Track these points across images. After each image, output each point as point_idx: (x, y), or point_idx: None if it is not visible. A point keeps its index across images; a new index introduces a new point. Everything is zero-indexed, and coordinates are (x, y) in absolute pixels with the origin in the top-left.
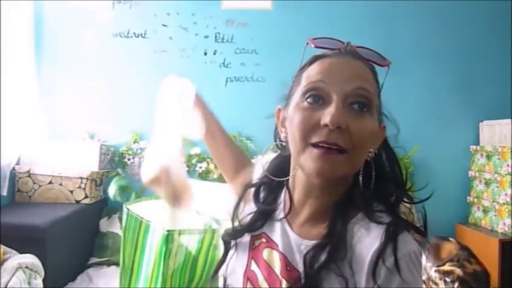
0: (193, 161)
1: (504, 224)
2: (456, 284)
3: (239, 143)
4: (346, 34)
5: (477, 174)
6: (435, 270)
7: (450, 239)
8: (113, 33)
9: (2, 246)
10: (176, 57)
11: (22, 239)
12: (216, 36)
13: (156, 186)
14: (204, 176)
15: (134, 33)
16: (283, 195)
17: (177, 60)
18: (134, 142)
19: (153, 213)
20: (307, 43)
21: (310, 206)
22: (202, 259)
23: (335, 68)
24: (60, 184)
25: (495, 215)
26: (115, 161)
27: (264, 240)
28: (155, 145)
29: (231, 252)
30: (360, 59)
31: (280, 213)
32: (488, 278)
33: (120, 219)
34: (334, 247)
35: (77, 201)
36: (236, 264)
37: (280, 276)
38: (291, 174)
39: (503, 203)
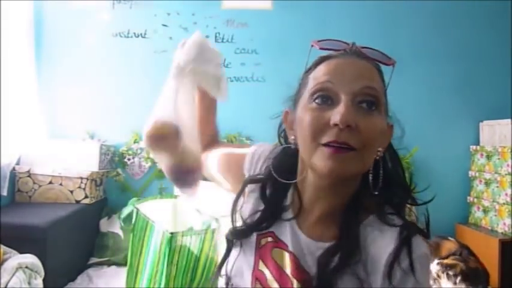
0: None
1: (504, 224)
2: (459, 278)
3: (239, 143)
4: (346, 34)
5: (477, 174)
6: (437, 263)
7: (450, 238)
8: (113, 33)
9: (2, 246)
10: None
11: (22, 239)
12: (216, 36)
13: (159, 144)
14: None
15: (134, 33)
16: (291, 195)
17: None
18: (134, 142)
19: (158, 213)
20: (312, 45)
21: (320, 208)
22: (203, 259)
23: (342, 68)
24: (60, 184)
25: (495, 215)
26: (115, 161)
27: (271, 239)
28: (171, 89)
29: (235, 251)
30: (366, 59)
31: (288, 213)
32: (487, 277)
33: (120, 219)
34: (349, 249)
35: (77, 201)
36: (242, 264)
37: (291, 277)
38: (298, 175)
39: (503, 203)
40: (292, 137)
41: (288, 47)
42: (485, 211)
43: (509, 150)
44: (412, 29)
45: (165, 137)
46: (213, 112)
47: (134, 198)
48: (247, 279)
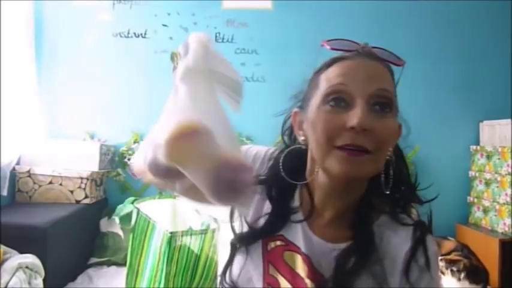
0: None
1: (504, 224)
2: (463, 275)
3: (239, 143)
4: (346, 34)
5: (477, 174)
6: (441, 259)
7: (449, 238)
8: (113, 33)
9: (2, 246)
10: None
11: (22, 239)
12: (216, 36)
13: (191, 144)
14: None
15: (134, 33)
16: (299, 196)
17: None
18: (134, 142)
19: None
20: (322, 45)
21: (332, 209)
22: (203, 258)
23: (355, 70)
24: (60, 184)
25: (495, 215)
26: (115, 161)
27: (280, 242)
28: (185, 93)
29: (239, 256)
30: (377, 60)
31: (298, 215)
32: (487, 275)
33: (118, 215)
34: (366, 249)
35: (77, 201)
36: (250, 270)
37: (307, 279)
38: (307, 175)
39: (503, 203)
40: (302, 138)
41: (288, 47)
42: (485, 211)
43: (509, 150)
44: (412, 29)
45: (197, 132)
46: None
47: (131, 198)
48: (257, 285)
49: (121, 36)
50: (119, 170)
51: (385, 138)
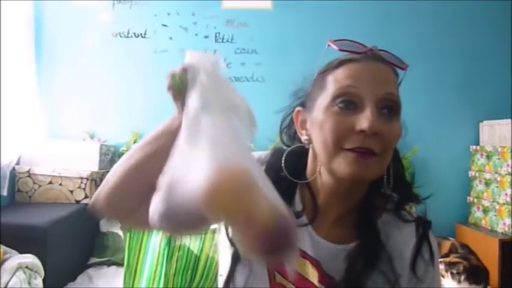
0: None
1: (504, 224)
2: (463, 277)
3: None
4: (346, 34)
5: (477, 174)
6: (441, 262)
7: (449, 238)
8: (113, 33)
9: (2, 246)
10: (176, 57)
11: (22, 239)
12: (216, 36)
13: (239, 195)
14: None
15: (134, 33)
16: (300, 199)
17: (177, 60)
18: (134, 142)
19: None
20: (329, 45)
21: (336, 210)
22: (203, 258)
23: (365, 73)
24: (60, 184)
25: (495, 215)
26: (115, 161)
27: None
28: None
29: (242, 266)
30: (384, 63)
31: (301, 219)
32: (488, 275)
33: None
34: (374, 248)
35: (77, 201)
36: (255, 280)
37: (318, 284)
38: (309, 175)
39: (503, 203)
40: (305, 137)
41: (288, 47)
42: (485, 211)
43: (509, 150)
44: (411, 29)
45: (244, 183)
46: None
47: None
48: None
49: (121, 36)
50: None
51: (392, 141)
